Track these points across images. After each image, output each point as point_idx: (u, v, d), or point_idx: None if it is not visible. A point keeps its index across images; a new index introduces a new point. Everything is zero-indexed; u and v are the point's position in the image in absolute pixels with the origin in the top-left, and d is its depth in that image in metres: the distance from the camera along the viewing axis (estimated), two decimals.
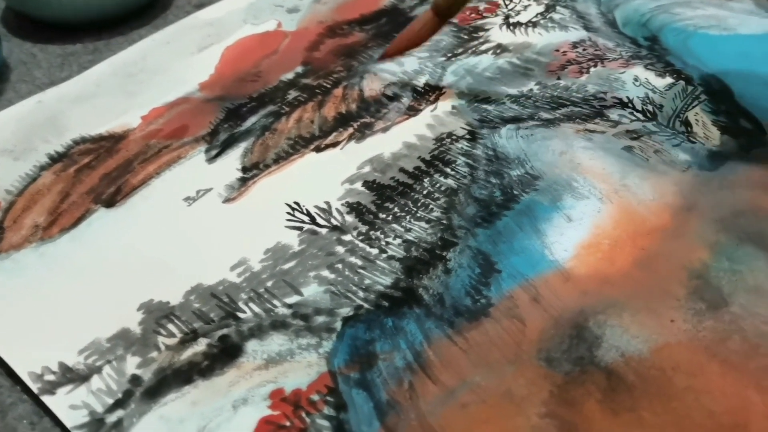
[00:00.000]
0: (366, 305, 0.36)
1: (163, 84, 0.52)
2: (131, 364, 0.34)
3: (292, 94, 0.50)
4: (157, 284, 0.38)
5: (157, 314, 0.36)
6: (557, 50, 0.53)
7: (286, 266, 0.39)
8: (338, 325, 0.36)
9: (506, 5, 0.59)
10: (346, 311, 0.36)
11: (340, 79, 0.51)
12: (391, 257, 0.39)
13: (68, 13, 0.55)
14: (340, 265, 0.39)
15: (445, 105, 0.49)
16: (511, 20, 0.57)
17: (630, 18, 0.57)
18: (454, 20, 0.57)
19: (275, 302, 0.37)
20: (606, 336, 0.34)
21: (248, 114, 0.49)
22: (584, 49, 0.53)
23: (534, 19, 0.57)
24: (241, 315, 0.36)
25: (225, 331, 0.35)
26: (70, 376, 0.34)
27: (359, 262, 0.39)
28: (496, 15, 0.58)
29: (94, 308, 0.37)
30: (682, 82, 0.49)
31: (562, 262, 0.38)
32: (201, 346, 0.35)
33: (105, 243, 0.40)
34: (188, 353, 0.34)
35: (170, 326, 0.36)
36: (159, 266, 0.39)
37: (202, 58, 0.54)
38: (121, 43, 0.57)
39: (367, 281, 0.38)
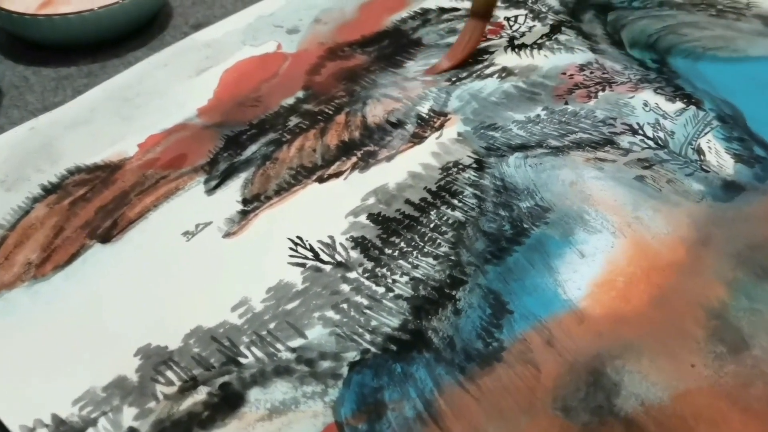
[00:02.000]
0: (373, 349, 0.35)
1: (160, 109, 0.50)
2: (128, 416, 0.32)
3: (293, 120, 0.49)
4: (155, 327, 0.36)
5: (155, 360, 0.35)
6: (564, 73, 0.52)
7: (289, 306, 0.37)
8: (344, 370, 0.34)
9: (510, 26, 0.57)
10: (352, 355, 0.35)
11: (342, 105, 0.50)
12: (398, 296, 0.37)
13: (62, 34, 0.54)
14: (345, 305, 0.37)
15: (450, 132, 0.47)
16: (516, 42, 0.56)
17: (637, 39, 0.55)
18: None
19: (278, 346, 0.35)
20: (624, 383, 0.33)
21: (248, 142, 0.47)
22: (591, 72, 0.52)
23: (539, 41, 0.56)
24: (242, 360, 0.35)
25: (226, 378, 0.34)
26: (64, 429, 0.32)
27: (365, 302, 0.37)
28: (501, 37, 0.56)
29: (89, 353, 0.35)
30: (693, 108, 0.48)
31: (576, 301, 0.36)
32: (201, 394, 0.33)
33: (100, 282, 0.39)
34: (188, 403, 0.33)
35: (169, 373, 0.34)
36: (157, 307, 0.37)
37: (200, 81, 0.52)
38: (116, 65, 0.55)
39: (373, 323, 0.36)
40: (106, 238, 0.41)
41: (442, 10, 0.59)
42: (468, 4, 0.60)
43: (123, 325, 0.36)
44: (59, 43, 0.55)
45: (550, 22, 0.58)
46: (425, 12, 0.59)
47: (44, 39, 0.54)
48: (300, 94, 0.51)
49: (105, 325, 0.36)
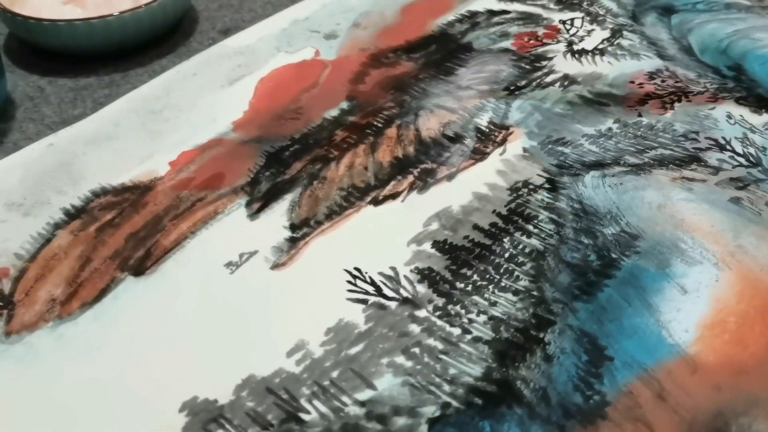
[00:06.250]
0: (455, 403, 0.30)
1: (191, 123, 0.45)
2: None
3: (340, 134, 0.44)
4: (201, 376, 0.31)
5: (204, 417, 0.30)
6: (632, 82, 0.48)
7: (353, 351, 0.32)
8: (424, 429, 0.29)
9: (567, 30, 0.53)
10: (431, 411, 0.30)
11: (392, 117, 0.45)
12: (477, 339, 0.33)
13: (82, 41, 0.49)
14: (417, 350, 0.32)
15: (514, 147, 0.43)
16: (575, 47, 0.51)
17: (707, 44, 0.51)
18: (513, 48, 0.51)
19: (344, 399, 0.31)
20: None
21: (291, 159, 0.43)
22: (663, 81, 0.48)
23: (600, 46, 0.51)
24: (304, 416, 0.30)
25: None
26: None
27: (440, 346, 0.33)
28: (558, 41, 0.52)
29: (126, 409, 0.30)
30: None
31: (684, 346, 0.32)
32: None
33: (135, 322, 0.34)
34: None
35: None
36: (202, 352, 0.33)
37: (233, 92, 0.48)
38: (140, 74, 0.51)
39: (452, 371, 0.32)
40: (139, 271, 0.36)
41: (491, 13, 0.55)
42: (519, 6, 0.56)
43: (164, 374, 0.32)
44: (78, 50, 0.50)
45: (610, 26, 0.53)
46: (473, 15, 0.55)
47: (63, 46, 0.50)
48: (344, 105, 0.47)
49: (143, 375, 0.32)
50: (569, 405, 0.30)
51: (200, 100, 0.47)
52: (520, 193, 0.40)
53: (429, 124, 0.45)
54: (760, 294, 0.34)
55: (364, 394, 0.31)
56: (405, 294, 0.35)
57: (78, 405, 0.31)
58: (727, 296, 0.34)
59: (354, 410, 0.30)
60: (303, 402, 0.31)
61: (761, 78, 0.48)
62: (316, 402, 0.31)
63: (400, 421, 0.30)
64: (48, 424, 0.30)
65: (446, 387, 0.31)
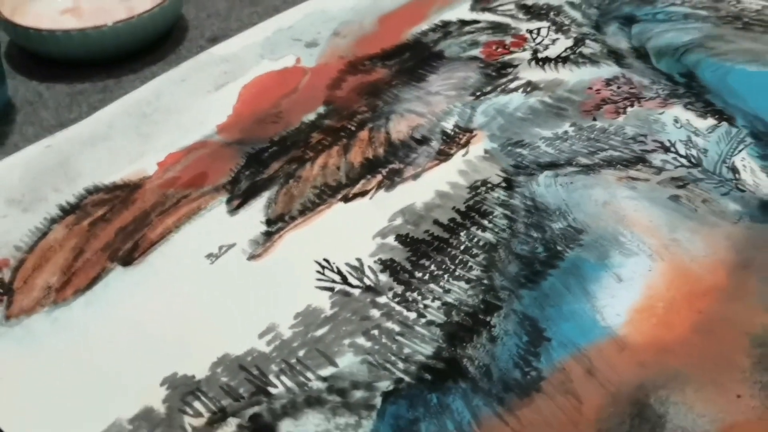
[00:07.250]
0: (407, 378, 0.34)
1: (179, 125, 0.49)
2: None
3: (316, 137, 0.48)
4: (180, 355, 0.35)
5: (183, 390, 0.34)
6: (590, 88, 0.51)
7: (319, 333, 0.36)
8: (378, 401, 0.33)
9: (533, 39, 0.56)
10: (385, 385, 0.34)
11: (365, 121, 0.49)
12: (430, 322, 0.36)
13: (78, 49, 0.53)
14: (376, 332, 0.36)
15: (477, 149, 0.46)
16: (540, 55, 0.54)
17: (664, 53, 0.54)
18: (481, 56, 0.55)
19: (309, 374, 0.34)
20: (670, 415, 0.32)
21: (270, 160, 0.46)
22: (619, 87, 0.51)
23: (563, 54, 0.54)
24: (272, 390, 0.34)
25: (256, 409, 0.33)
26: None
27: (397, 328, 0.36)
28: (524, 50, 0.55)
29: (113, 383, 0.34)
30: (725, 124, 0.47)
31: (616, 328, 0.35)
32: (231, 426, 0.32)
33: (123, 307, 0.38)
34: None
35: (197, 404, 0.33)
36: (182, 333, 0.36)
37: (219, 97, 0.51)
38: (132, 80, 0.54)
39: (406, 350, 0.35)
40: (127, 261, 0.40)
41: (463, 23, 0.58)
42: (489, 17, 0.59)
43: (147, 353, 0.35)
44: (76, 58, 0.54)
45: (574, 35, 0.57)
46: (446, 24, 0.58)
47: (61, 54, 0.53)
48: (321, 109, 0.50)
49: (129, 354, 0.35)
50: (509, 380, 0.33)
51: (188, 105, 0.51)
52: (479, 191, 0.43)
53: (399, 128, 0.48)
54: (688, 282, 0.37)
55: (327, 371, 0.34)
56: (368, 282, 0.38)
57: (70, 380, 0.34)
58: (657, 284, 0.37)
59: (317, 384, 0.34)
60: (271, 377, 0.34)
61: (711, 84, 0.51)
62: (283, 377, 0.34)
63: (358, 394, 0.33)
64: (43, 397, 0.34)
65: (400, 364, 0.34)
